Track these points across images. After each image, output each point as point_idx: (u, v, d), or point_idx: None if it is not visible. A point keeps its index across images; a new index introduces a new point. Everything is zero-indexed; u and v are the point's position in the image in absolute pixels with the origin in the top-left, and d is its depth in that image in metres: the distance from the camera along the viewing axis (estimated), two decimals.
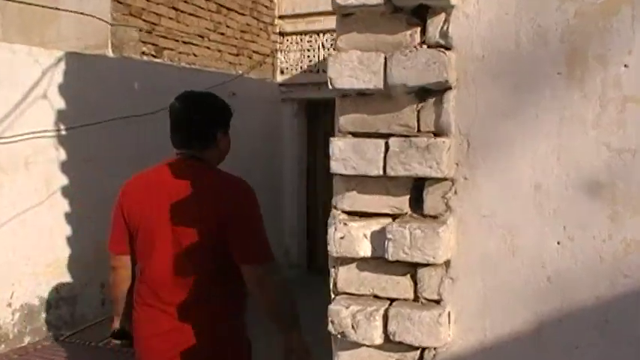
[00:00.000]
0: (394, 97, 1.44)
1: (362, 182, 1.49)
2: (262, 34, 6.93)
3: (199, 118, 2.28)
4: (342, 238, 1.45)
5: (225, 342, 2.22)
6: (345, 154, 1.44)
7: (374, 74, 1.40)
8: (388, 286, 1.48)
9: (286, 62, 7.35)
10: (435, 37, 1.41)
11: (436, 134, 1.42)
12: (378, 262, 1.47)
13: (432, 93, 1.42)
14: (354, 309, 1.45)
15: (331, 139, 1.47)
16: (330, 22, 7.13)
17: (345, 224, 1.45)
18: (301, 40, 7.30)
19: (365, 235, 1.45)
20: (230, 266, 2.18)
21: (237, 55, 6.42)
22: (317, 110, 7.72)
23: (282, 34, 7.33)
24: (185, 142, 2.27)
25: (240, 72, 6.47)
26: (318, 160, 7.76)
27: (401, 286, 1.48)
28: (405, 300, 1.47)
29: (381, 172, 1.42)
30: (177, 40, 5.42)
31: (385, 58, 1.40)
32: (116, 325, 2.49)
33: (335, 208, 1.53)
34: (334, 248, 1.46)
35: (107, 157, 4.74)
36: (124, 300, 2.43)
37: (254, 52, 6.78)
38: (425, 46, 1.40)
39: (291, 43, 7.34)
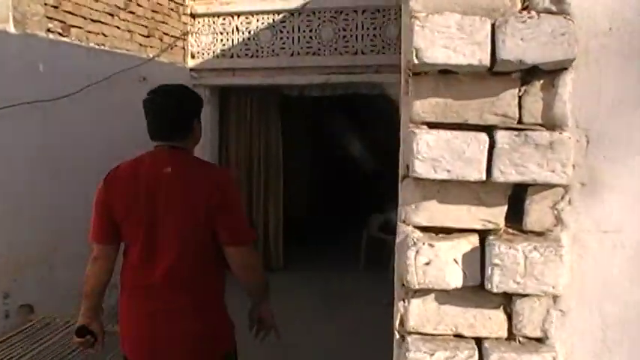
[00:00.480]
0: (490, 78, 1.11)
1: (445, 189, 1.14)
2: (173, 14, 6.36)
3: (177, 111, 2.41)
4: (427, 264, 1.11)
5: (212, 320, 2.41)
6: (436, 153, 1.09)
7: (478, 46, 1.06)
8: (477, 323, 1.15)
9: (198, 46, 6.82)
10: (543, 2, 1.09)
11: (546, 127, 1.10)
12: (462, 292, 1.14)
13: (538, 74, 1.10)
14: (440, 356, 1.10)
15: (414, 130, 1.11)
16: (246, 4, 6.71)
17: (431, 245, 1.11)
18: (214, 22, 6.79)
19: (455, 260, 1.11)
20: (214, 248, 2.35)
21: (147, 36, 5.83)
22: (230, 97, 7.25)
23: (193, 15, 6.78)
24: (166, 133, 2.40)
25: (151, 55, 5.89)
26: (231, 153, 7.30)
27: (493, 321, 1.15)
28: (497, 339, 1.15)
29: (484, 176, 1.08)
30: (85, 18, 4.78)
31: (493, 26, 1.06)
32: (84, 321, 2.46)
33: (405, 222, 1.18)
34: (416, 278, 1.11)
35: (8, 147, 4.08)
36: (99, 294, 2.47)
37: (165, 33, 6.21)
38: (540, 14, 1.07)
39: (203, 25, 6.81)
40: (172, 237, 2.32)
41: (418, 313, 1.16)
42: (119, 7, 5.28)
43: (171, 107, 2.41)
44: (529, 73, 1.10)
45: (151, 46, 5.92)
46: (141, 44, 5.73)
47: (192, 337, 2.36)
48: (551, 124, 1.09)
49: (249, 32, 6.76)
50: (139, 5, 5.59)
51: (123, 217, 2.36)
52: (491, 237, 1.12)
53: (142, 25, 5.71)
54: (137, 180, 2.35)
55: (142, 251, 2.34)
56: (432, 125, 1.13)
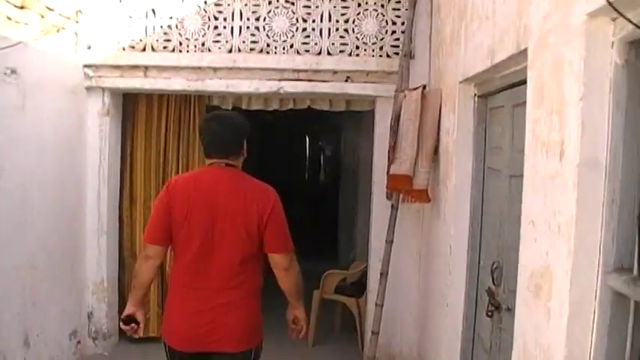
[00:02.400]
0: None
1: None
2: None
3: (231, 135, 2.90)
4: None
5: (253, 316, 2.88)
6: None
7: None
8: None
9: (96, 32, 4.82)
10: None
11: None
12: None
13: None
14: None
15: None
16: None
17: None
18: (120, 1, 4.83)
19: None
20: (258, 255, 2.85)
21: (21, 7, 3.81)
22: (138, 107, 5.29)
23: None
24: (221, 153, 2.86)
25: (25, 38, 3.87)
26: (136, 183, 5.32)
27: None
28: None
29: None
30: None
31: None
32: (130, 310, 2.89)
33: None
34: None
35: None
36: (146, 287, 2.93)
37: (49, 8, 4.19)
38: None
39: (105, 3, 4.82)
40: (225, 244, 2.75)
41: None
42: None
43: (225, 132, 2.88)
44: None
45: (25, 24, 3.89)
46: (9, 18, 3.69)
47: (239, 328, 2.82)
48: None
49: (171, 17, 4.85)
50: None
51: (181, 223, 2.76)
52: None
53: None
54: (197, 191, 2.80)
55: (196, 254, 2.76)
56: None
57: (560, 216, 1.90)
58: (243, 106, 5.24)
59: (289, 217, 2.96)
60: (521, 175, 2.70)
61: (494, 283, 2.95)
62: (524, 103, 2.63)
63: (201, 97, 5.28)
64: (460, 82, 3.48)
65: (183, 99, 5.29)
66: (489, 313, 2.95)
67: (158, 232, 2.82)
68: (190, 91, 5.02)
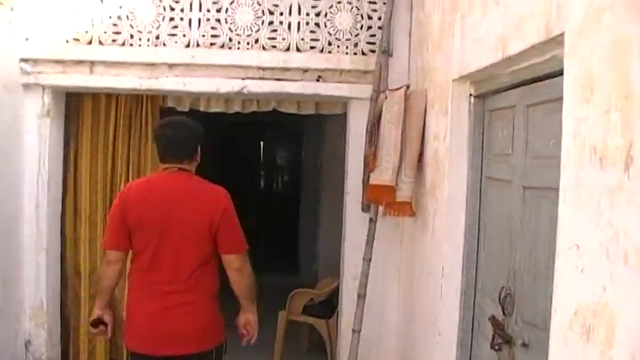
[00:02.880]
0: None
1: None
2: None
3: (186, 140, 2.99)
4: None
5: (210, 317, 2.92)
6: None
7: None
8: None
9: (34, 22, 4.25)
10: None
11: None
12: None
13: None
14: None
15: None
16: None
17: None
18: None
19: None
20: (212, 256, 2.90)
21: None
22: (83, 107, 4.73)
23: None
24: (175, 158, 2.93)
25: None
26: (81, 192, 4.75)
27: None
28: None
29: None
30: None
31: None
32: (97, 314, 2.99)
33: None
34: None
35: None
36: (111, 291, 3.01)
37: None
38: None
39: None
40: (179, 246, 2.82)
41: None
42: None
43: (179, 138, 2.97)
44: None
45: None
46: None
47: (194, 329, 2.84)
48: None
49: (121, 7, 4.31)
50: None
51: (136, 227, 2.85)
52: None
53: None
54: (150, 196, 2.89)
55: (152, 258, 2.83)
56: None
57: (627, 241, 1.48)
58: (201, 108, 4.74)
59: (244, 228, 2.97)
60: (539, 187, 2.31)
61: (503, 313, 2.53)
62: (545, 101, 2.24)
63: (155, 98, 4.74)
64: (454, 81, 3.08)
65: (135, 99, 4.74)
66: (496, 347, 2.54)
67: (115, 237, 2.92)
68: (142, 91, 4.48)
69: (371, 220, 4.07)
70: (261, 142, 13.34)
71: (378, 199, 3.84)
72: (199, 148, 3.04)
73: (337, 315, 4.66)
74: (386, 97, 3.85)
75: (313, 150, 8.19)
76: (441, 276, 3.15)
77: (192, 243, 2.83)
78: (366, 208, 4.19)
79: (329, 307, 5.04)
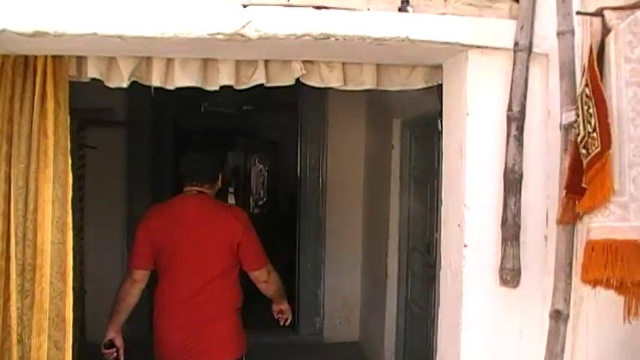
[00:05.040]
0: None
1: None
2: None
3: (211, 166, 3.17)
4: None
5: (234, 328, 3.06)
6: None
7: None
8: None
9: None
10: None
11: None
12: None
13: None
14: None
15: None
16: None
17: None
18: None
19: None
20: (235, 272, 3.04)
21: None
22: None
23: None
24: (198, 181, 3.06)
25: None
26: None
27: None
28: None
29: None
30: None
31: None
32: (111, 335, 2.98)
33: None
34: None
35: None
36: (128, 312, 3.04)
37: None
38: None
39: None
40: (203, 265, 2.95)
41: None
42: None
43: (205, 162, 3.15)
44: None
45: None
46: None
47: (217, 341, 2.98)
48: None
49: None
50: None
51: (161, 249, 2.97)
52: None
53: None
54: (172, 216, 3.01)
55: (178, 277, 2.96)
56: None
57: None
58: (155, 82, 2.43)
59: None
60: None
61: None
62: None
63: (61, 61, 2.38)
64: None
65: (21, 63, 2.36)
66: None
67: (142, 257, 3.00)
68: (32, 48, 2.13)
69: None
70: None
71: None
72: (221, 173, 3.23)
73: None
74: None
75: (314, 155, 5.92)
76: None
77: (214, 261, 2.96)
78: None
79: None
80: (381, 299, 4.84)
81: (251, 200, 9.76)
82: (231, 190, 9.03)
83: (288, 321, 3.37)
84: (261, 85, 2.53)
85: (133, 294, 3.00)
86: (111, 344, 2.96)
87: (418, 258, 4.36)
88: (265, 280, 3.08)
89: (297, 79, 2.49)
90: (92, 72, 2.40)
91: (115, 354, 2.97)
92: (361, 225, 5.79)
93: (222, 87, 2.49)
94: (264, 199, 9.73)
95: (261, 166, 9.65)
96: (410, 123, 4.52)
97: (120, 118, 5.33)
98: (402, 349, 4.68)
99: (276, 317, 3.34)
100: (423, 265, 4.16)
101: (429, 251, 4.07)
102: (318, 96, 5.67)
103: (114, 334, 2.99)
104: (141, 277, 3.00)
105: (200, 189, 3.04)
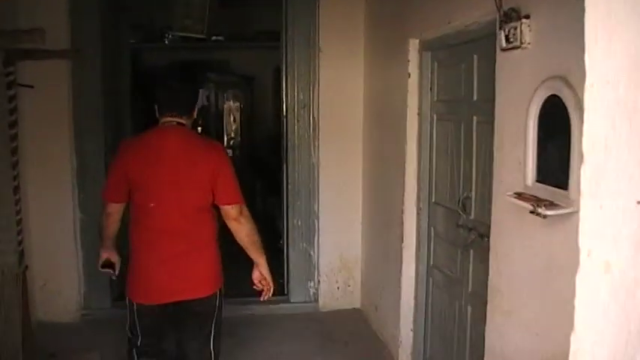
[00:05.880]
0: None
1: None
2: None
3: (189, 95, 3.14)
4: None
5: (215, 260, 3.05)
6: None
7: None
8: None
9: None
10: None
11: None
12: None
13: None
14: None
15: None
16: None
17: None
18: None
19: None
20: (209, 206, 2.99)
21: None
22: None
23: None
24: (177, 112, 2.97)
25: None
26: None
27: None
28: None
29: None
30: None
31: None
32: (105, 255, 3.11)
33: None
34: None
35: None
36: (114, 237, 3.11)
37: None
38: None
39: None
40: (180, 197, 2.90)
41: None
42: None
43: (183, 91, 3.11)
44: None
45: None
46: None
47: (199, 274, 2.97)
48: None
49: None
50: None
51: (137, 182, 2.91)
52: None
53: None
54: (150, 149, 2.94)
55: (153, 210, 2.90)
56: None
57: None
58: None
59: None
60: None
61: None
62: None
63: None
64: None
65: None
66: None
67: (114, 190, 2.98)
68: None
69: None
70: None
71: None
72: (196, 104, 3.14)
73: None
74: None
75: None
76: None
77: (192, 194, 2.93)
78: None
79: None
80: (395, 264, 3.96)
81: (224, 141, 8.78)
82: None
83: (270, 292, 3.17)
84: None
85: (112, 225, 3.07)
86: (107, 263, 3.11)
87: (446, 216, 3.47)
88: (235, 217, 2.98)
89: None
90: None
91: (112, 271, 3.14)
92: (362, 173, 4.86)
93: None
94: (238, 139, 8.74)
95: (235, 104, 8.61)
96: (433, 43, 3.53)
97: (62, 46, 4.27)
98: (422, 323, 3.84)
99: (256, 286, 3.16)
100: (456, 226, 3.28)
101: (465, 209, 3.17)
102: (307, 19, 4.69)
103: (106, 254, 3.11)
104: (115, 209, 3.03)
105: (180, 120, 2.99)
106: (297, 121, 4.84)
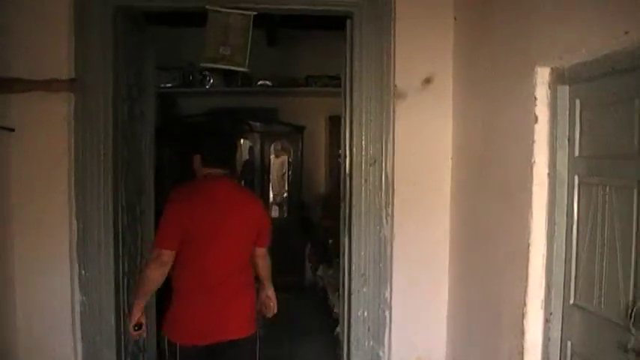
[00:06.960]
0: None
1: None
2: None
3: (232, 149, 3.39)
4: None
5: (254, 300, 3.27)
6: None
7: None
8: None
9: None
10: None
11: None
12: None
13: None
14: None
15: None
16: None
17: None
18: None
19: None
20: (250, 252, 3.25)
21: None
22: None
23: None
24: (222, 164, 3.15)
25: None
26: None
27: None
28: None
29: None
30: None
31: None
32: (139, 315, 3.04)
33: None
34: None
35: None
36: (153, 293, 3.19)
37: None
38: None
39: None
40: (230, 247, 3.09)
41: None
42: None
43: (232, 144, 3.39)
44: None
45: None
46: None
47: (243, 316, 3.15)
48: None
49: None
50: None
51: (192, 227, 2.97)
52: None
53: None
54: (204, 198, 3.05)
55: (204, 259, 3.02)
56: None
57: None
58: None
59: None
60: None
61: None
62: None
63: None
64: None
65: None
66: None
67: (173, 239, 2.97)
68: None
69: None
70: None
71: None
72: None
73: None
74: None
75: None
76: None
77: (241, 244, 3.14)
78: None
79: None
80: None
81: (269, 197, 7.85)
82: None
83: (274, 310, 3.42)
84: None
85: (160, 276, 3.02)
86: (140, 326, 3.09)
87: (599, 331, 2.29)
88: (264, 256, 3.32)
89: None
90: None
91: (143, 332, 3.15)
92: (449, 252, 3.70)
93: None
94: (285, 196, 7.80)
95: (283, 157, 7.71)
96: (575, 73, 2.42)
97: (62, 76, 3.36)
98: None
99: (261, 307, 3.39)
100: (618, 349, 2.10)
101: (637, 325, 2.01)
102: (378, 52, 3.67)
103: (139, 314, 3.06)
104: (171, 258, 2.99)
105: (224, 171, 3.14)
106: (365, 180, 3.70)
